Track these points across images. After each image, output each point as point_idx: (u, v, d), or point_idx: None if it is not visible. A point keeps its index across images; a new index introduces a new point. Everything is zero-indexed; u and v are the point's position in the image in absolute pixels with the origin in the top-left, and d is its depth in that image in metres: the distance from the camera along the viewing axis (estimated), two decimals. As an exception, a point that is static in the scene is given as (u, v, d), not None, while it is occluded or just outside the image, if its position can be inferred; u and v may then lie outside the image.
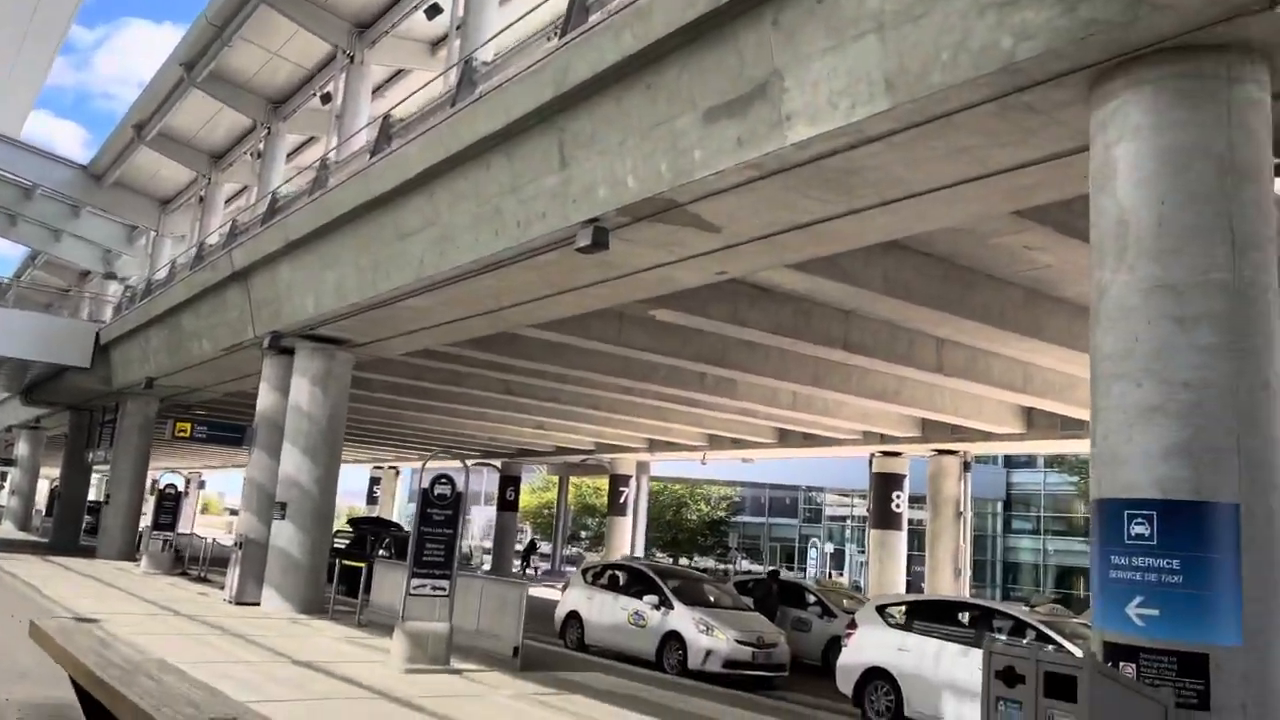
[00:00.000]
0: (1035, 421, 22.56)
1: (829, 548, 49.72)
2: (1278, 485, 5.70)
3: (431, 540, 11.34)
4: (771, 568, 24.87)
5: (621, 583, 15.88)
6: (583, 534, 59.00)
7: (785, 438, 29.39)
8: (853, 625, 12.30)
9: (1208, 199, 5.83)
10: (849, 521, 53.87)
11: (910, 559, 32.48)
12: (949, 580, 25.88)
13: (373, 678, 10.03)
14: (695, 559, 55.44)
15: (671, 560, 53.92)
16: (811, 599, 17.92)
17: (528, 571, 41.86)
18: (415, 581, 11.24)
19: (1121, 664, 5.69)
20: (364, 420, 29.34)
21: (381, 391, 23.50)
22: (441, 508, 11.52)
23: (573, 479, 51.52)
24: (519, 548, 46.06)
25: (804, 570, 49.33)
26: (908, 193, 8.55)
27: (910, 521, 29.88)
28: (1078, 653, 8.74)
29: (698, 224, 9.72)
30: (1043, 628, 10.42)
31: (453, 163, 11.41)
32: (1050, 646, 9.86)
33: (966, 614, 11.78)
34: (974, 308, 13.93)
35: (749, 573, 27.67)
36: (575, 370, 19.97)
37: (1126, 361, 5.96)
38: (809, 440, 28.79)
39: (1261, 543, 5.58)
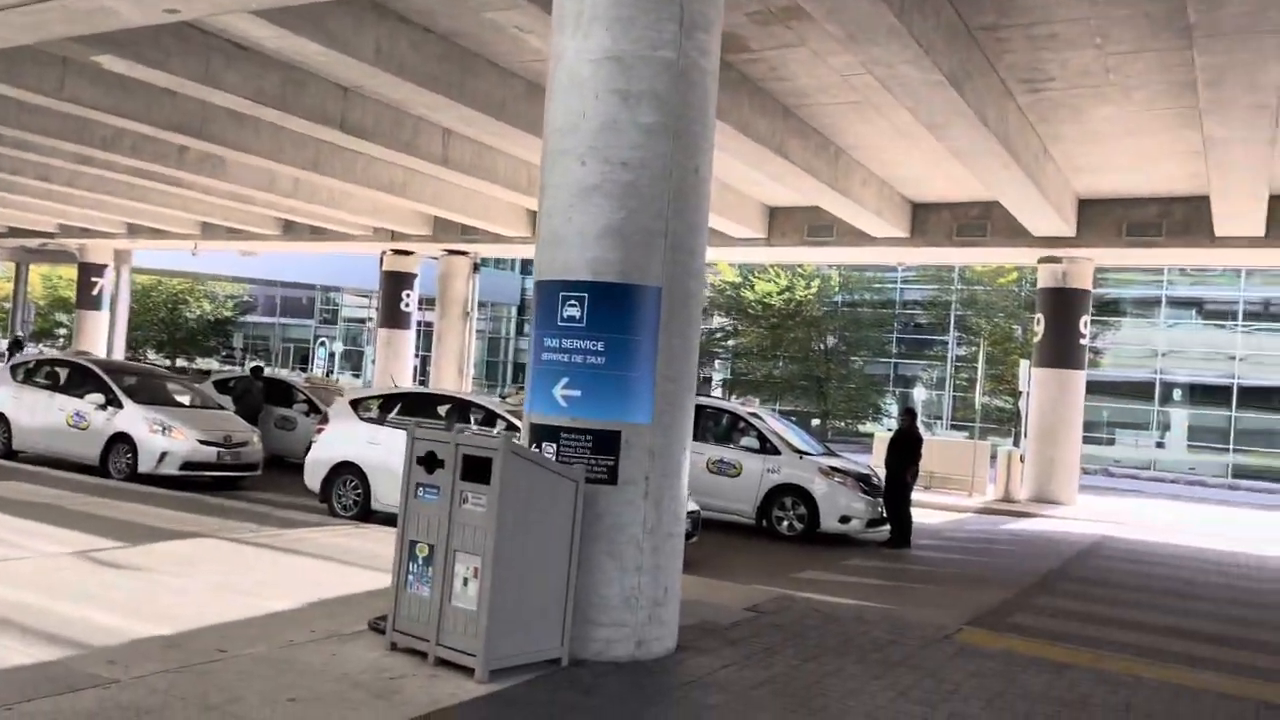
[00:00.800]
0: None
1: (339, 347, 48.55)
2: (697, 270, 5.87)
3: None
4: (255, 364, 23.27)
5: (62, 381, 13.64)
6: (58, 331, 51.51)
7: (290, 230, 27.36)
8: (325, 421, 11.70)
9: (663, -31, 5.57)
10: (367, 323, 53.01)
11: (425, 360, 32.73)
12: (454, 379, 26.40)
13: None
14: (197, 360, 51.34)
15: (168, 362, 49.41)
16: (300, 397, 17.01)
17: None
18: None
19: (544, 445, 5.65)
20: None
21: None
22: None
23: (44, 268, 44.23)
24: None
25: (309, 370, 47.90)
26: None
27: (424, 323, 29.86)
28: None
29: (125, -64, 7.79)
30: (510, 417, 10.62)
31: None
32: (518, 435, 10.07)
33: (443, 406, 11.71)
34: (475, 96, 13.33)
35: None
36: (9, 128, 16.31)
37: (572, 136, 5.67)
38: (317, 234, 27.08)
39: (679, 326, 5.74)
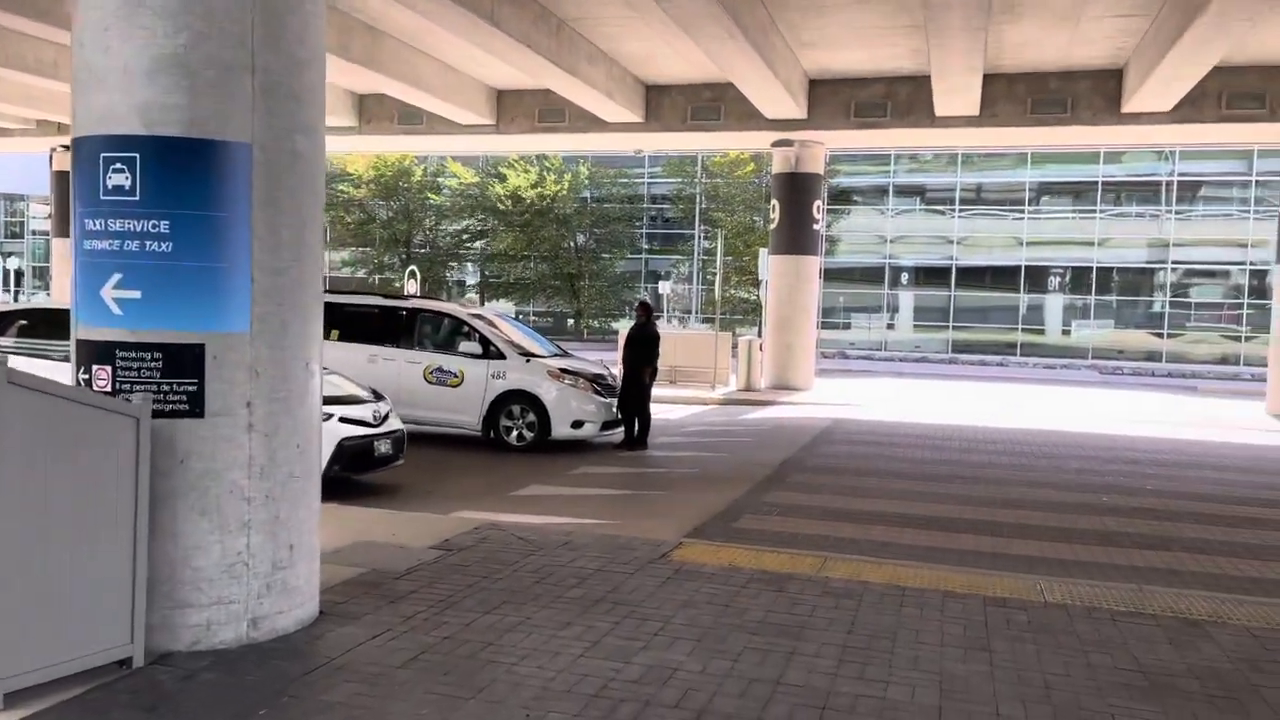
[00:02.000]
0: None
1: (16, 264, 42.27)
2: (307, 122, 4.37)
3: None
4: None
5: None
6: None
7: (-74, 124, 22.76)
8: (-85, 350, 9.25)
9: None
10: (61, 236, 46.59)
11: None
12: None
13: None
14: None
15: None
16: (-73, 323, 13.92)
17: None
18: None
19: (96, 367, 4.08)
20: None
21: None
22: None
23: None
24: None
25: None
26: None
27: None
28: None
29: None
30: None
31: None
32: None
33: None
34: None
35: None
36: None
37: (99, -74, 3.97)
38: (-36, 129, 22.70)
39: (287, 199, 4.27)
